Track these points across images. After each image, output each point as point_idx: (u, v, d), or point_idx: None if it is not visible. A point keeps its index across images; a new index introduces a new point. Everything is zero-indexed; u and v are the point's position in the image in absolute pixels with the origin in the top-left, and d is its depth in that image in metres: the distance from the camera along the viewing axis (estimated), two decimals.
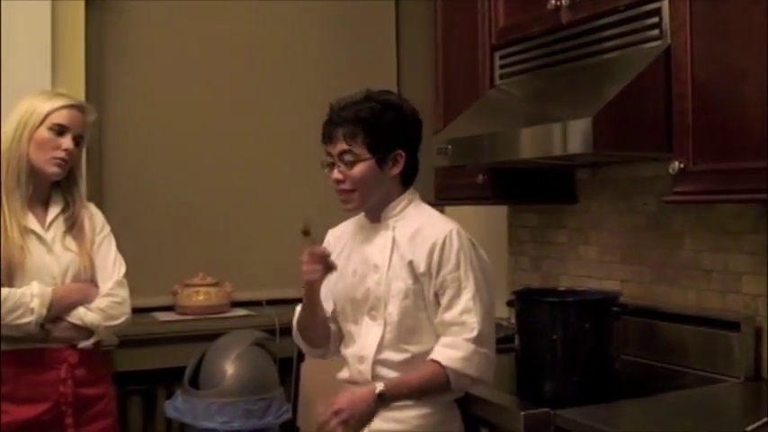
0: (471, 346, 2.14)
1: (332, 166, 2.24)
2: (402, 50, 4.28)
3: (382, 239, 2.26)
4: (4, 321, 2.28)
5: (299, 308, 2.39)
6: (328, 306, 2.36)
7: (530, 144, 2.54)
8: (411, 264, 2.19)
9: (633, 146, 2.40)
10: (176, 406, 3.25)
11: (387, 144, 2.21)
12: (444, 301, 2.18)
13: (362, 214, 2.36)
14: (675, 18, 2.31)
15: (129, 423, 3.49)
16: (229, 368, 3.22)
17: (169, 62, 3.85)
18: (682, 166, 2.25)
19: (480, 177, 3.12)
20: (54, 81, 3.30)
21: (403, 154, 2.24)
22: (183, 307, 3.69)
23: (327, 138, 2.24)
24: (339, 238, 2.40)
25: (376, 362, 2.21)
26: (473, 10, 3.17)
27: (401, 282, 2.19)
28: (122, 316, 2.49)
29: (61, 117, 2.42)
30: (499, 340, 3.10)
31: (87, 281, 2.47)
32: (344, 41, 4.14)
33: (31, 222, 2.41)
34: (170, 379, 3.49)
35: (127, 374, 3.33)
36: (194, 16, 3.88)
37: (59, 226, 2.47)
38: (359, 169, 2.20)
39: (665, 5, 2.35)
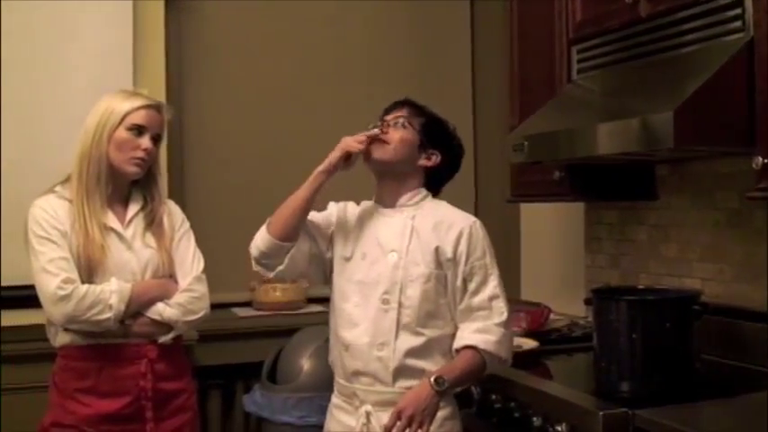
0: (501, 330, 2.25)
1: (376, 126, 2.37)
2: (477, 50, 4.27)
3: (400, 226, 2.31)
4: (83, 317, 2.33)
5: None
6: (320, 221, 2.42)
7: (608, 140, 2.50)
8: (437, 250, 2.26)
9: (715, 141, 2.34)
10: (254, 400, 3.30)
11: (434, 138, 2.36)
12: (472, 286, 2.26)
13: (373, 200, 2.42)
14: (759, 9, 2.25)
15: (208, 416, 3.55)
16: (305, 364, 3.25)
17: (247, 61, 3.90)
18: (765, 161, 2.19)
19: (557, 174, 3.09)
20: (135, 80, 3.37)
21: (439, 157, 2.36)
22: (261, 303, 3.74)
23: (392, 107, 2.42)
24: (348, 216, 2.43)
25: (397, 347, 2.23)
26: (549, 4, 3.13)
27: (422, 267, 2.25)
28: (201, 311, 2.52)
29: (139, 117, 2.44)
30: (577, 339, 3.10)
31: (166, 277, 2.51)
32: (420, 41, 4.15)
33: (111, 220, 2.45)
34: (248, 373, 3.54)
35: (206, 369, 3.39)
36: (271, 16, 3.92)
37: (139, 223, 2.50)
38: (403, 133, 2.33)
39: None
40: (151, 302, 2.43)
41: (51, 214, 2.39)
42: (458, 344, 2.25)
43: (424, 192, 2.37)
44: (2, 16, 3.23)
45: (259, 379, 3.37)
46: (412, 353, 2.23)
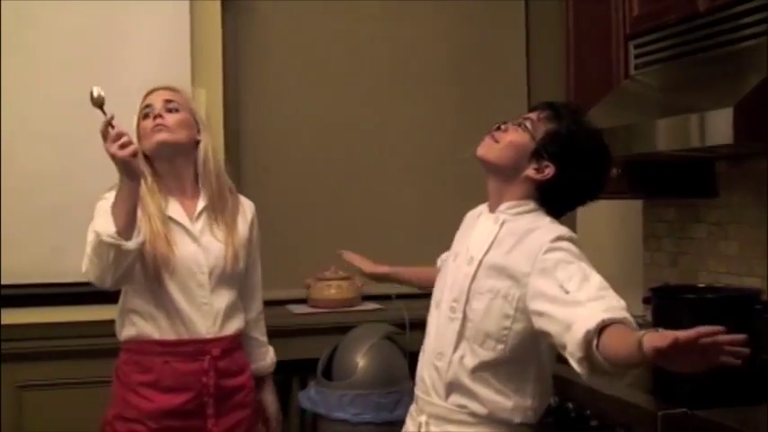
0: (626, 314, 1.81)
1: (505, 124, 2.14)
2: (532, 48, 4.24)
3: (487, 232, 2.09)
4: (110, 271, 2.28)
5: None
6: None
7: (667, 136, 2.48)
8: (514, 265, 2.00)
9: None
10: (310, 396, 3.32)
11: (555, 150, 2.04)
12: (572, 286, 1.86)
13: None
14: None
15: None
16: (360, 361, 3.27)
17: (303, 60, 3.93)
18: None
19: (615, 171, 3.05)
20: (193, 80, 3.41)
21: (552, 170, 2.04)
22: (316, 300, 3.76)
23: (534, 107, 2.15)
24: (469, 217, 2.29)
25: (452, 361, 2.05)
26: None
27: (494, 280, 2.02)
28: None
29: (147, 100, 2.49)
30: None
31: (232, 275, 2.54)
32: (475, 40, 4.14)
33: (178, 214, 2.48)
34: (304, 370, 3.57)
35: None
36: (326, 15, 3.94)
37: (207, 217, 2.52)
38: (516, 135, 2.07)
39: None
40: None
41: None
42: (588, 324, 1.74)
43: (530, 205, 2.08)
44: (59, 16, 3.29)
45: (314, 375, 3.39)
46: (466, 370, 2.03)
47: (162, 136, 2.45)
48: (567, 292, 1.86)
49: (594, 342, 1.72)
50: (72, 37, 3.31)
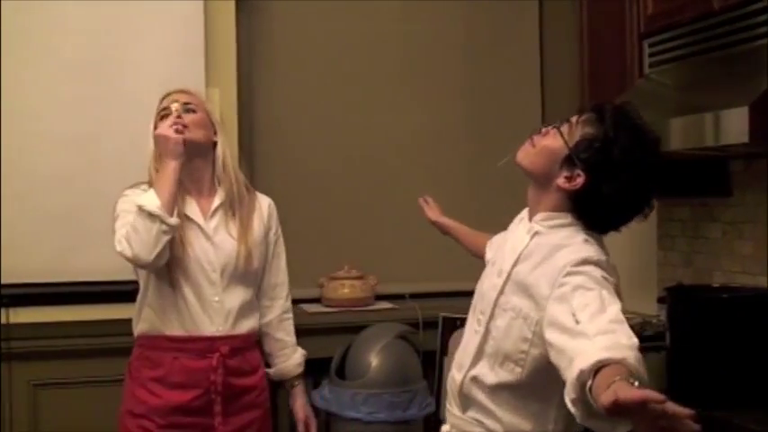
0: (635, 353, 1.59)
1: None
2: (545, 48, 4.23)
3: (518, 242, 1.99)
4: (152, 247, 2.31)
5: None
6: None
7: (681, 135, 2.47)
8: (535, 284, 1.87)
9: None
10: (323, 395, 3.32)
11: (584, 158, 1.88)
12: (584, 316, 1.70)
13: None
14: None
15: (277, 411, 3.58)
16: (374, 360, 3.27)
17: (317, 59, 3.93)
18: None
19: None
20: (207, 81, 3.41)
21: (582, 180, 1.88)
22: (329, 299, 3.76)
23: (580, 109, 2.00)
24: (516, 221, 2.15)
25: (467, 376, 1.98)
26: None
27: (518, 298, 1.90)
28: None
29: (165, 102, 2.52)
30: (648, 338, 3.05)
31: (245, 273, 2.54)
32: (488, 40, 4.13)
33: (193, 212, 2.50)
34: (317, 369, 3.57)
35: None
36: (339, 14, 3.94)
37: (223, 215, 2.54)
38: (550, 141, 1.93)
39: None
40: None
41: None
42: (583, 363, 1.55)
43: (567, 218, 1.93)
44: (72, 16, 3.30)
45: (328, 374, 3.39)
46: (482, 387, 1.95)
47: (181, 135, 2.45)
48: (577, 322, 1.70)
49: (589, 383, 1.53)
50: (85, 37, 3.31)
